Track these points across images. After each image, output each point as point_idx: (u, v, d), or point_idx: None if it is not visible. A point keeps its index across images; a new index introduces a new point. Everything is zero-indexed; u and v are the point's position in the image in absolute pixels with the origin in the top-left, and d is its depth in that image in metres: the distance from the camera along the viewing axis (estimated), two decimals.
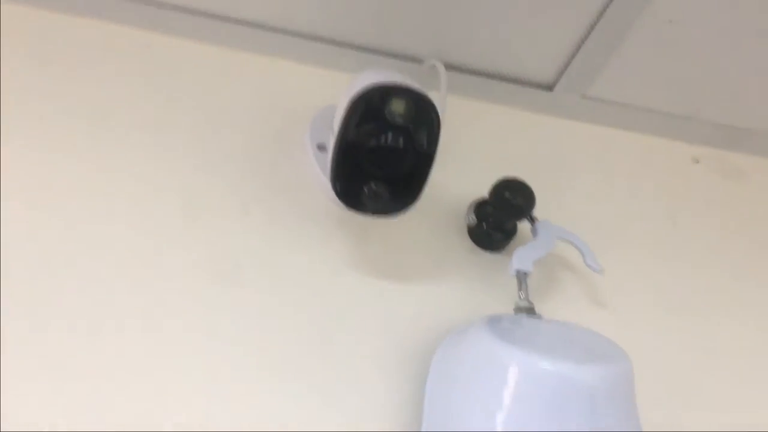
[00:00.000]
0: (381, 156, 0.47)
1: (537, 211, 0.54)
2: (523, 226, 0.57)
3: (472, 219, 0.55)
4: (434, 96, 0.47)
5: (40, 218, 0.49)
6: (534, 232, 0.54)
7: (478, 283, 0.55)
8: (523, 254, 0.51)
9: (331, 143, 0.48)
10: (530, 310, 0.48)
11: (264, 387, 0.47)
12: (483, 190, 0.54)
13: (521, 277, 0.50)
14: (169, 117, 0.56)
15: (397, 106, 0.45)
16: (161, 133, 0.55)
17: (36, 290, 0.46)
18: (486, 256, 0.57)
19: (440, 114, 0.57)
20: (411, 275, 0.54)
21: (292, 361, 0.48)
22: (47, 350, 0.44)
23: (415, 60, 0.63)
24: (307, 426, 0.46)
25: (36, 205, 0.49)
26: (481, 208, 0.56)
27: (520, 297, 0.50)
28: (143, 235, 0.50)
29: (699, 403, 0.54)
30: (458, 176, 0.60)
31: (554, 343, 0.43)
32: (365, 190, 0.47)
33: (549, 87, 0.66)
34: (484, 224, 0.56)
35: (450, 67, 0.63)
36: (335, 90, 0.51)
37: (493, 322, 0.45)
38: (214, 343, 0.47)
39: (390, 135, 0.46)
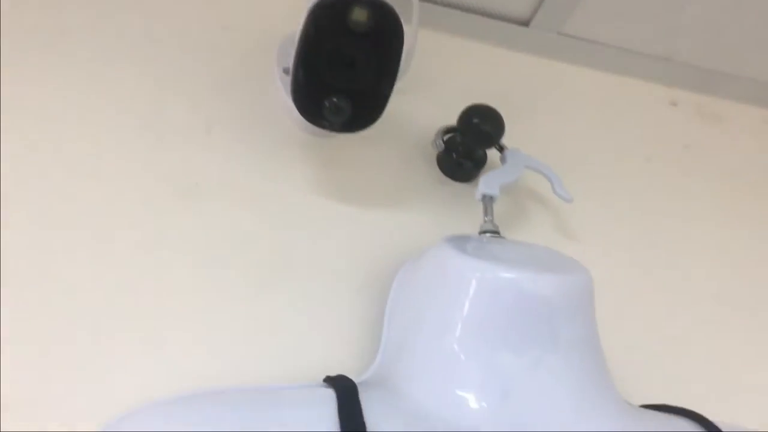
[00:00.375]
0: (343, 68, 0.46)
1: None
2: (493, 156, 0.56)
3: (440, 144, 0.54)
4: (406, 29, 0.45)
5: None
6: (502, 159, 0.53)
7: (445, 213, 0.54)
8: (489, 179, 0.50)
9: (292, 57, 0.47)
10: (495, 233, 0.47)
11: (221, 307, 0.45)
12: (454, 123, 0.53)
13: (487, 202, 0.49)
14: (132, 35, 0.54)
15: (359, 15, 0.44)
16: (124, 53, 0.53)
17: None
18: (455, 186, 0.56)
19: (412, 47, 0.56)
20: (377, 203, 0.53)
21: (251, 283, 0.47)
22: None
23: None
24: (266, 349, 0.45)
25: None
26: (450, 137, 0.55)
27: (485, 221, 0.48)
28: (102, 150, 0.49)
29: (664, 337, 0.53)
30: (429, 109, 0.58)
31: (514, 258, 0.43)
32: (326, 104, 0.46)
33: (525, 23, 0.65)
34: (453, 154, 0.55)
35: None
36: None
37: (454, 240, 0.44)
38: (171, 262, 0.46)
39: (352, 45, 0.45)
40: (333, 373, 0.41)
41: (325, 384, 0.39)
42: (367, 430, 0.33)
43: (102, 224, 0.46)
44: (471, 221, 0.53)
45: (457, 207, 0.55)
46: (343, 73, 0.46)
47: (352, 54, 0.45)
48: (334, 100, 0.46)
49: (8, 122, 0.47)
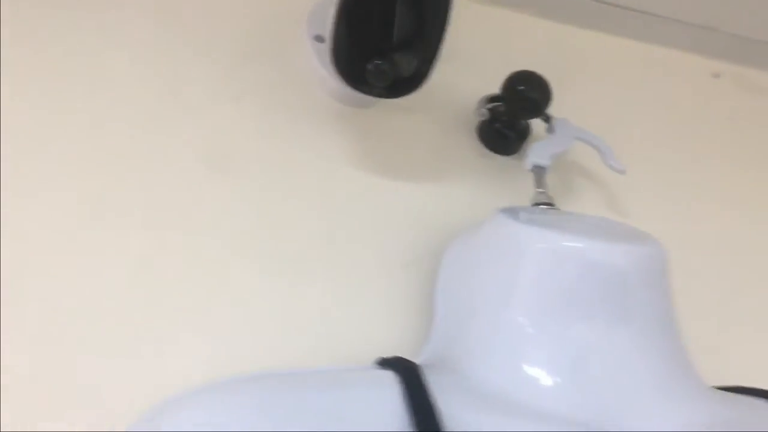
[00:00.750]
0: (387, 28, 0.42)
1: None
2: (538, 129, 0.53)
3: (484, 113, 0.51)
4: None
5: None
6: (550, 129, 0.50)
7: (488, 186, 0.51)
8: (539, 149, 0.47)
9: (331, 15, 0.43)
10: (549, 205, 0.44)
11: (257, 289, 0.42)
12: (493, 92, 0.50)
13: (539, 173, 0.46)
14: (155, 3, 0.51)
15: None
16: (146, 19, 0.50)
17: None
18: (497, 159, 0.53)
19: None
20: (416, 176, 0.50)
21: (290, 260, 0.44)
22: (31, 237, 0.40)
23: None
24: (309, 333, 0.42)
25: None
26: (493, 105, 0.52)
27: (538, 192, 0.45)
28: (124, 121, 0.45)
29: (725, 313, 0.50)
30: (466, 79, 0.55)
31: (578, 227, 0.39)
32: (369, 67, 0.43)
33: None
34: (496, 123, 0.52)
35: None
36: None
37: (509, 211, 0.41)
38: (201, 241, 0.43)
39: (397, 3, 0.41)
40: (382, 355, 0.38)
41: (380, 366, 0.36)
42: (435, 410, 0.30)
43: (126, 201, 0.42)
44: (514, 195, 0.50)
45: (500, 180, 0.52)
46: (386, 34, 0.42)
47: (397, 13, 0.42)
48: (378, 62, 0.42)
49: (26, 96, 0.44)
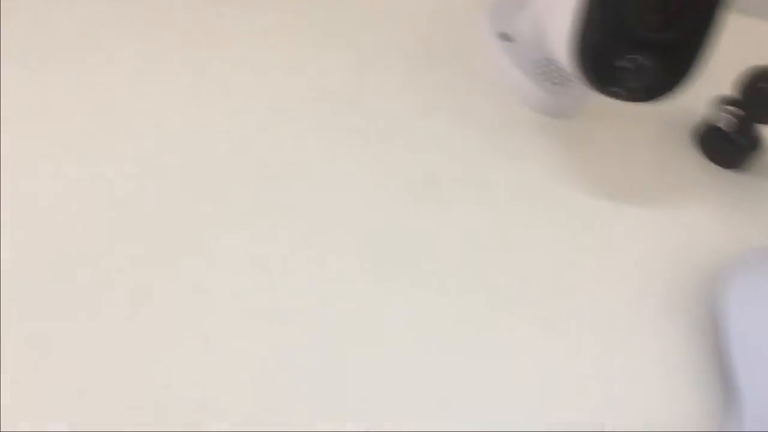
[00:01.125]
0: (650, 12, 0.33)
1: None
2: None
3: (719, 118, 0.42)
4: None
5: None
6: None
7: (726, 208, 0.42)
8: None
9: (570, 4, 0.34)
10: None
11: (487, 335, 0.33)
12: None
13: None
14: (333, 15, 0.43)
15: None
16: (322, 33, 0.42)
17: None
18: (725, 174, 0.44)
19: None
20: (643, 197, 0.41)
21: (519, 300, 0.35)
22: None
23: None
24: (558, 404, 0.32)
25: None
26: (730, 109, 0.42)
27: None
28: (309, 142, 0.37)
29: None
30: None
31: None
32: (625, 64, 0.34)
33: None
34: (725, 131, 0.43)
35: None
36: None
37: None
38: (411, 281, 0.34)
39: None
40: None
41: None
42: None
43: (315, 231, 0.34)
44: (760, 218, 0.41)
45: (736, 200, 0.43)
46: (649, 20, 0.34)
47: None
48: (635, 57, 0.34)
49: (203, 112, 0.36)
